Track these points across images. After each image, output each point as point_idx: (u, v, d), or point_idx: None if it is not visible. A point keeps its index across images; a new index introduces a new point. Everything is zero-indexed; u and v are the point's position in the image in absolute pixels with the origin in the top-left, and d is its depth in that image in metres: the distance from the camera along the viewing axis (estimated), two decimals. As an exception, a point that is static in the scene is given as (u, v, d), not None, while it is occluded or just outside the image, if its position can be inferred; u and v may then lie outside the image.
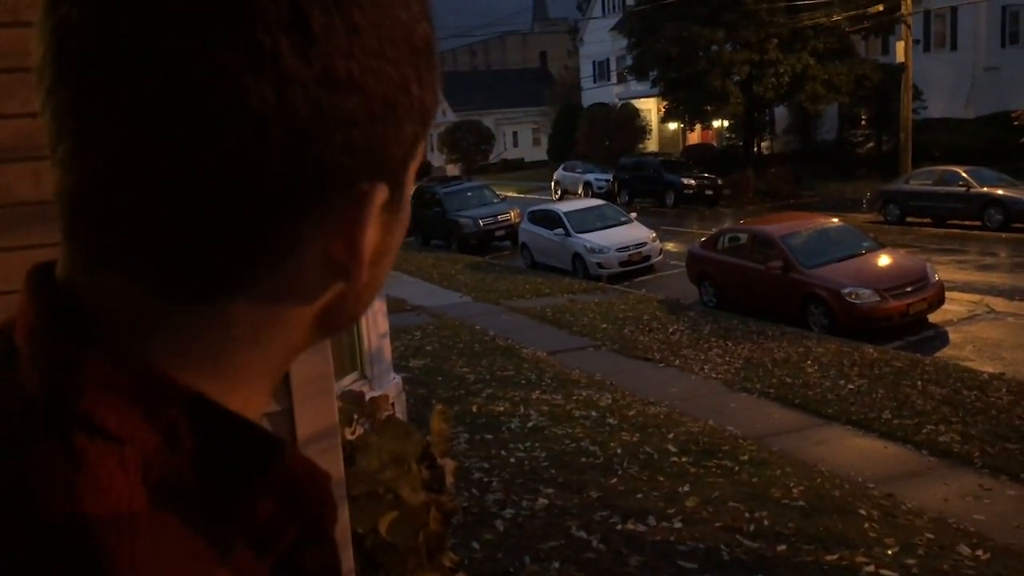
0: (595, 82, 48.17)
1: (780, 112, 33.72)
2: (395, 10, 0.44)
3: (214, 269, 0.44)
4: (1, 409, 0.44)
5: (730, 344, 10.30)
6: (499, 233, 21.11)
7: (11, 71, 1.63)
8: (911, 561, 4.75)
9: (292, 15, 0.41)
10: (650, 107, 39.71)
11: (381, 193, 0.47)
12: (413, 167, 0.51)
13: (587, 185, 31.57)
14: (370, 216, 0.47)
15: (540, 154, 48.62)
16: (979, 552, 4.88)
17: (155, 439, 0.43)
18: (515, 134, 53.27)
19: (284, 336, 0.49)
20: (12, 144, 1.65)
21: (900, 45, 24.22)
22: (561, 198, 30.36)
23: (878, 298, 10.82)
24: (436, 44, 0.48)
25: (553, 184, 33.74)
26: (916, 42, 27.13)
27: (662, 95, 32.81)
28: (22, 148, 1.65)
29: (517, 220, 20.43)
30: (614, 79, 45.10)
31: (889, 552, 4.86)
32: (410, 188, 0.52)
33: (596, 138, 37.41)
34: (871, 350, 9.68)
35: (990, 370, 8.79)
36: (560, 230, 17.07)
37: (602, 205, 18.99)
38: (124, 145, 0.41)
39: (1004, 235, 18.02)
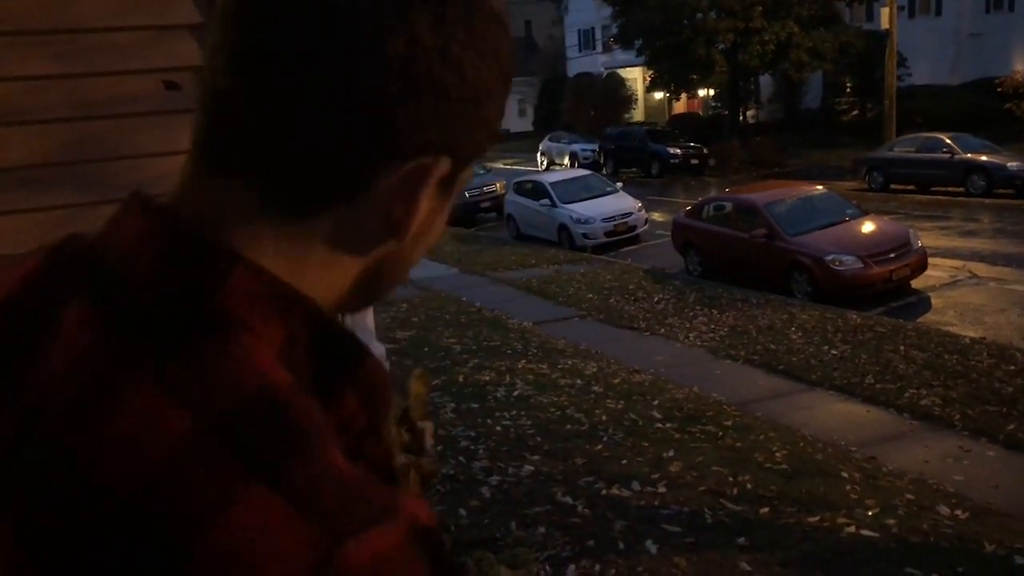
0: (580, 51, 47.90)
1: (765, 81, 33.70)
2: (501, 39, 0.55)
3: (314, 186, 0.53)
4: (143, 316, 0.51)
5: (715, 312, 10.36)
6: (485, 205, 21.06)
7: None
8: (891, 521, 4.82)
9: None
10: (636, 76, 39.56)
11: (444, 167, 0.55)
12: (467, 172, 0.59)
13: (573, 155, 31.51)
14: (431, 184, 0.55)
15: (526, 125, 48.40)
16: (958, 512, 4.96)
17: (282, 337, 0.53)
18: (500, 105, 52.99)
19: (336, 277, 0.58)
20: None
21: (885, 11, 24.21)
22: (547, 169, 30.29)
23: (861, 265, 10.89)
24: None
25: (539, 155, 33.65)
26: (901, 8, 27.09)
27: (647, 64, 32.68)
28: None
29: (503, 191, 20.39)
30: (600, 48, 44.89)
31: (870, 513, 4.93)
32: (460, 186, 0.60)
33: (581, 108, 37.25)
34: (854, 316, 9.75)
35: (971, 334, 8.88)
36: (546, 201, 17.05)
37: (588, 175, 18.97)
38: (277, 68, 0.51)
39: (987, 201, 18.14)
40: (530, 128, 45.95)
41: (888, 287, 10.89)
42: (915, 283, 11.34)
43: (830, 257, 11.03)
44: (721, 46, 28.75)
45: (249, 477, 0.45)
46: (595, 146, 30.49)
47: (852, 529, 4.72)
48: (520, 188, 18.42)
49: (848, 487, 5.31)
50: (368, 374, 0.57)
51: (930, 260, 11.57)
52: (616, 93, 38.35)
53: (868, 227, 12.07)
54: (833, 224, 11.96)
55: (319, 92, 0.51)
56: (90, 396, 0.49)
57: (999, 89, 23.43)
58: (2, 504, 0.48)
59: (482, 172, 22.89)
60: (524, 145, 38.15)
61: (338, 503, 0.46)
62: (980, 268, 12.11)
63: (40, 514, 0.47)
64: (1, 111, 1.46)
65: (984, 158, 19.19)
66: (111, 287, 0.53)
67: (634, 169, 27.79)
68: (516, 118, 51.68)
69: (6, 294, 0.59)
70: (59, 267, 0.58)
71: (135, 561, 0.44)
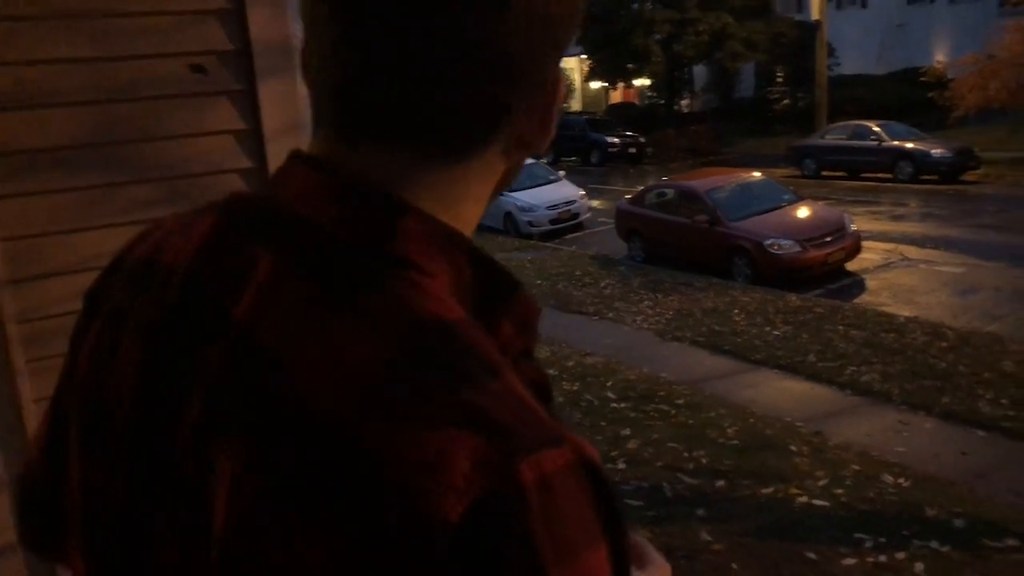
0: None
1: (699, 70, 34.22)
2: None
3: (461, 135, 0.61)
4: (330, 259, 0.58)
5: (660, 296, 10.59)
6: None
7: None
8: (840, 491, 5.07)
9: None
10: (573, 66, 39.80)
11: (563, 82, 0.64)
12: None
13: (513, 145, 31.57)
14: (558, 100, 0.64)
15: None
16: (901, 480, 5.22)
17: (449, 274, 0.59)
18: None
19: (483, 207, 0.66)
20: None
21: (815, 2, 24.80)
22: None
23: (799, 248, 11.24)
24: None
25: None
26: (829, 0, 27.75)
27: (585, 54, 32.93)
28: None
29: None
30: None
31: (820, 484, 5.16)
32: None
33: (520, 97, 37.28)
34: (794, 298, 10.07)
35: (906, 314, 9.26)
36: (489, 189, 17.13)
37: (531, 164, 19.07)
38: (405, 35, 0.56)
39: (914, 187, 18.79)
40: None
41: (825, 270, 11.26)
42: (850, 266, 11.74)
43: (769, 241, 11.35)
44: (658, 37, 29.14)
45: (434, 398, 0.51)
46: (534, 135, 30.62)
47: (804, 499, 4.95)
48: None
49: (798, 460, 5.55)
50: (521, 303, 0.63)
51: (864, 243, 11.98)
52: (554, 82, 38.47)
53: (804, 212, 12.44)
54: (771, 210, 12.30)
55: (456, 52, 0.56)
56: (296, 327, 0.55)
57: (923, 78, 24.19)
58: (223, 429, 0.54)
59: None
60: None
61: (514, 423, 0.51)
62: (911, 251, 12.59)
63: (259, 436, 0.53)
64: (38, 93, 1.49)
65: (910, 145, 19.85)
66: (297, 234, 0.59)
67: (574, 158, 28.00)
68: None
69: (202, 241, 0.64)
70: (239, 218, 0.65)
71: (337, 472, 0.50)
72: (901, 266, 11.91)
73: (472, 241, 0.63)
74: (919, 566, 4.17)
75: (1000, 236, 13.24)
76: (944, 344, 7.86)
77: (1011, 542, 4.36)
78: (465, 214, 0.64)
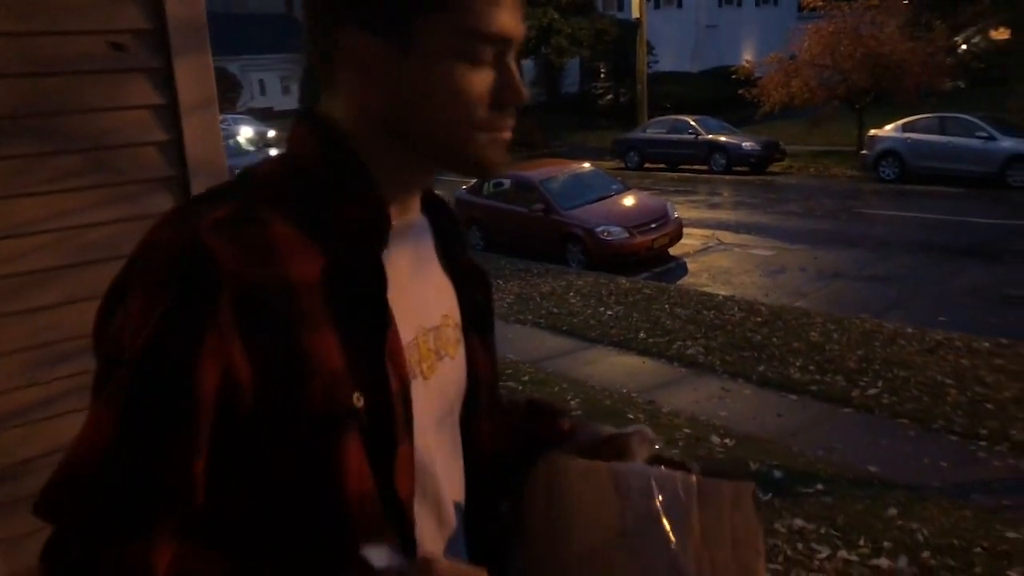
0: (345, 30, 47.13)
1: (527, 65, 35.01)
2: None
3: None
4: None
5: (500, 281, 10.94)
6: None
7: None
8: (674, 452, 5.54)
9: None
10: (402, 57, 39.62)
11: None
12: None
13: (343, 135, 31.18)
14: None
15: (291, 103, 47.20)
16: (726, 440, 5.76)
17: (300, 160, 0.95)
18: (262, 82, 51.25)
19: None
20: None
21: (635, 1, 25.95)
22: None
23: (627, 235, 11.88)
24: None
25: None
26: None
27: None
28: None
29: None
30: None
31: (656, 447, 5.61)
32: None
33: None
34: (624, 281, 10.68)
35: (724, 293, 10.03)
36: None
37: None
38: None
39: (727, 177, 20.15)
40: (296, 106, 44.81)
41: (651, 254, 11.97)
42: (673, 250, 12.52)
43: (600, 228, 11.94)
44: (486, 29, 29.56)
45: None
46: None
47: (643, 459, 5.37)
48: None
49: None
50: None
51: (685, 230, 12.81)
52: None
53: (631, 201, 13.14)
54: (601, 199, 12.91)
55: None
56: None
57: (733, 76, 25.88)
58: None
59: (252, 150, 22.29)
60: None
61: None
62: (726, 236, 13.58)
63: None
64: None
65: (724, 138, 21.25)
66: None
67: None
68: (280, 96, 50.24)
69: None
70: None
71: None
72: (718, 250, 12.83)
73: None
74: (745, 511, 4.66)
75: (804, 222, 14.50)
76: (758, 319, 8.60)
77: (820, 487, 4.94)
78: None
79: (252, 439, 0.81)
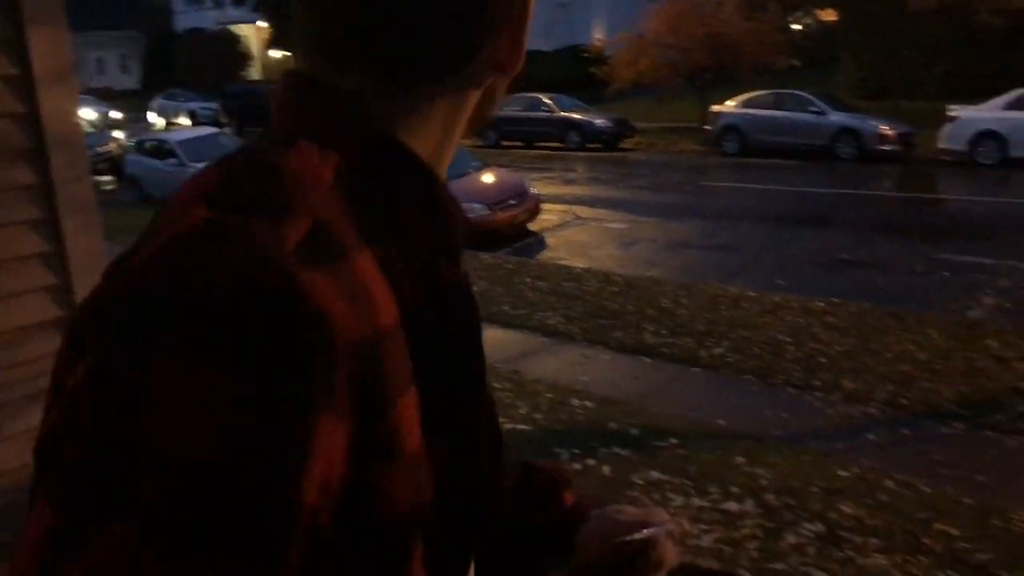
0: (188, 5, 45.31)
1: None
2: None
3: (428, 62, 0.66)
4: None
5: (362, 261, 10.88)
6: (100, 167, 19.54)
7: None
8: (538, 416, 5.75)
9: None
10: (250, 34, 38.44)
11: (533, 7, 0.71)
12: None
13: (192, 114, 30.07)
14: (529, 16, 0.70)
15: (131, 82, 44.86)
16: (587, 403, 6.01)
17: (343, 154, 0.64)
18: (99, 60, 48.47)
19: (460, 117, 0.73)
20: None
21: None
22: (169, 127, 28.65)
23: (488, 211, 12.04)
24: None
25: (153, 113, 31.62)
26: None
27: (265, 21, 31.99)
28: None
29: (119, 152, 19.08)
30: (210, 3, 42.78)
31: (521, 412, 5.81)
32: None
33: (196, 65, 35.48)
34: (486, 256, 10.84)
35: (581, 265, 10.36)
36: (173, 160, 16.35)
37: (217, 134, 18.43)
38: None
39: (582, 154, 20.65)
40: (136, 86, 42.67)
41: (511, 230, 12.18)
42: (532, 226, 12.79)
43: (462, 205, 12.03)
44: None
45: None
46: (215, 104, 29.38)
47: (509, 426, 5.55)
48: (144, 148, 17.41)
49: (501, 394, 6.16)
50: (433, 197, 0.70)
51: (542, 206, 13.09)
52: (231, 50, 37.04)
53: (490, 178, 13.29)
54: (461, 176, 13.01)
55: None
56: None
57: (585, 55, 26.45)
58: None
59: (93, 132, 21.15)
60: (132, 104, 35.48)
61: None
62: (582, 211, 13.98)
63: None
64: None
65: (577, 116, 21.75)
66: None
67: (258, 127, 27.27)
68: (119, 75, 47.67)
69: None
70: None
71: None
72: (575, 225, 13.19)
73: (389, 132, 0.67)
74: (606, 468, 4.91)
75: (654, 196, 15.10)
76: (614, 289, 8.95)
77: (673, 441, 5.26)
78: (432, 139, 0.70)
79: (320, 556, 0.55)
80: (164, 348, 0.49)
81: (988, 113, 16.26)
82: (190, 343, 0.49)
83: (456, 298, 0.69)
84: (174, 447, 0.48)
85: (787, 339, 7.07)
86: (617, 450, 5.15)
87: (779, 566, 3.84)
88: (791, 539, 4.04)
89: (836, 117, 17.95)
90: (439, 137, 0.70)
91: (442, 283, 0.67)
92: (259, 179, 0.59)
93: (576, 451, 5.13)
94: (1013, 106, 15.85)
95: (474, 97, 0.71)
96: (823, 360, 6.57)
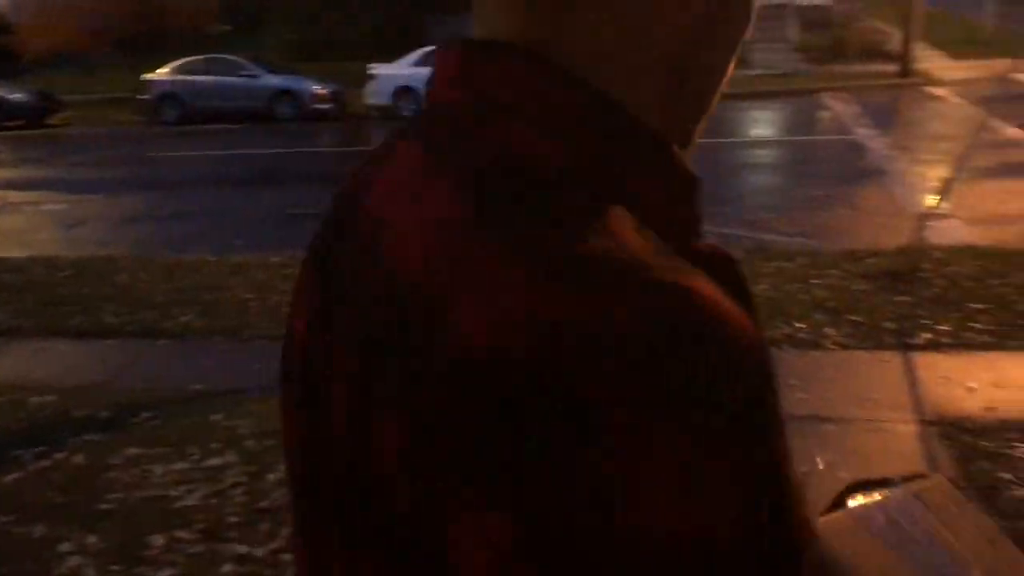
0: None
1: None
2: None
3: None
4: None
5: None
6: None
7: None
8: (-9, 423, 5.25)
9: None
10: None
11: None
12: None
13: None
14: None
15: None
16: (48, 397, 5.58)
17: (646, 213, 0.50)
18: None
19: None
20: None
21: None
22: None
23: None
24: None
25: None
26: None
27: None
28: None
29: None
30: None
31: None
32: None
33: None
34: None
35: (23, 254, 9.38)
36: None
37: None
38: None
39: (2, 133, 18.43)
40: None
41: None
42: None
43: None
44: None
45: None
46: None
47: None
48: None
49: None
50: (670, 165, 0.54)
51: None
52: None
53: None
54: None
55: None
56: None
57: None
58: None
59: None
60: None
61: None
62: (13, 195, 12.61)
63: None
64: None
65: (-10, 92, 19.31)
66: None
67: None
68: None
69: None
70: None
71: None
72: (6, 211, 11.88)
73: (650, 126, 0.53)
74: (78, 457, 4.71)
75: (96, 172, 14.21)
76: (64, 274, 8.36)
77: (147, 415, 5.22)
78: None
79: None
80: (657, 414, 0.41)
81: (401, 71, 18.15)
82: (678, 406, 0.41)
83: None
84: (710, 529, 0.41)
85: (251, 295, 7.34)
86: (88, 437, 4.96)
87: (265, 503, 4.13)
88: (272, 477, 4.35)
89: (271, 80, 18.50)
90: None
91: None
92: (547, 191, 0.49)
93: (41, 448, 4.83)
94: (420, 63, 17.90)
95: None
96: (285, 309, 6.97)
